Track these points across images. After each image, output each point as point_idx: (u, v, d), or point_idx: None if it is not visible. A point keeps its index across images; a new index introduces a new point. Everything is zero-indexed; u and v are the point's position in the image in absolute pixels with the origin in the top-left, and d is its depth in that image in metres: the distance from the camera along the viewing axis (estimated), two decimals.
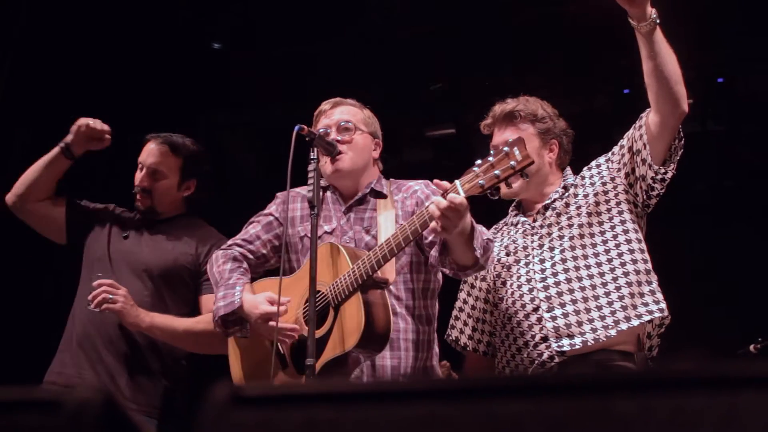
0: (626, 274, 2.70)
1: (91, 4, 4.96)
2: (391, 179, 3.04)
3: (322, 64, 5.58)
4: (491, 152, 2.43)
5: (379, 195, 2.95)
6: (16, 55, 4.84)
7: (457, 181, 2.44)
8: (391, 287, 2.74)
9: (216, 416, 0.85)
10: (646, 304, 2.68)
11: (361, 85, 5.69)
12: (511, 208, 3.07)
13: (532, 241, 2.87)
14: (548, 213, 2.89)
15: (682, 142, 2.70)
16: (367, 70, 5.53)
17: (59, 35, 5.01)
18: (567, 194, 2.90)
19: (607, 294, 2.69)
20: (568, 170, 3.01)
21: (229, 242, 3.04)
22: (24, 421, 0.82)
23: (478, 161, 2.44)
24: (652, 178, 2.70)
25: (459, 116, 6.11)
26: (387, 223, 2.83)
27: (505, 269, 2.90)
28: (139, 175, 3.41)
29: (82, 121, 3.30)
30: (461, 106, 6.07)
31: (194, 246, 3.38)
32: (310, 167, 2.67)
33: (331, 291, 2.68)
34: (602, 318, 2.66)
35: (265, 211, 3.06)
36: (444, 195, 2.42)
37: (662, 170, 2.68)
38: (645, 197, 2.77)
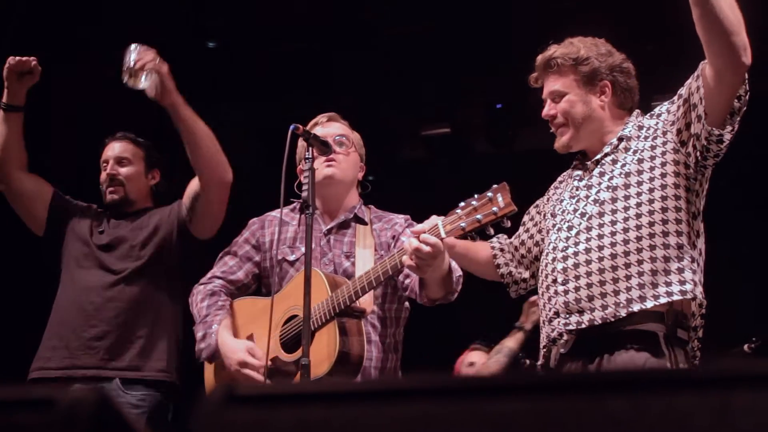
0: (653, 247, 2.41)
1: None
2: (371, 206, 3.08)
3: (317, 63, 5.57)
4: (475, 196, 2.43)
5: (360, 221, 2.98)
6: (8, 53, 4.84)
7: (438, 222, 2.47)
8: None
9: (210, 415, 0.85)
10: (668, 284, 2.39)
11: (357, 84, 5.71)
12: (576, 159, 2.78)
13: (570, 204, 2.62)
14: (595, 171, 2.61)
15: (747, 96, 2.35)
16: (362, 70, 5.53)
17: (53, 32, 5.00)
18: (619, 147, 2.59)
19: (627, 267, 2.42)
20: (635, 114, 2.67)
21: (209, 275, 3.07)
22: (17, 419, 0.82)
23: (462, 203, 2.45)
24: (707, 138, 2.36)
25: (454, 115, 6.12)
26: (365, 252, 2.87)
27: (546, 234, 2.70)
28: (104, 173, 3.50)
29: (10, 59, 3.31)
30: (456, 105, 6.07)
31: (166, 211, 3.46)
32: (305, 166, 2.67)
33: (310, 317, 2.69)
34: (616, 293, 2.40)
35: (240, 240, 3.09)
36: (418, 236, 2.44)
37: (717, 132, 2.34)
38: (700, 157, 2.42)
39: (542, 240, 2.77)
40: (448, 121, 6.13)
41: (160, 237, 3.39)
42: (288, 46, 5.54)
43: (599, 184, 2.56)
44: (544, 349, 2.59)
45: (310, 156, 2.69)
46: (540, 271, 2.64)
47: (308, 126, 3.02)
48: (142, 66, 2.99)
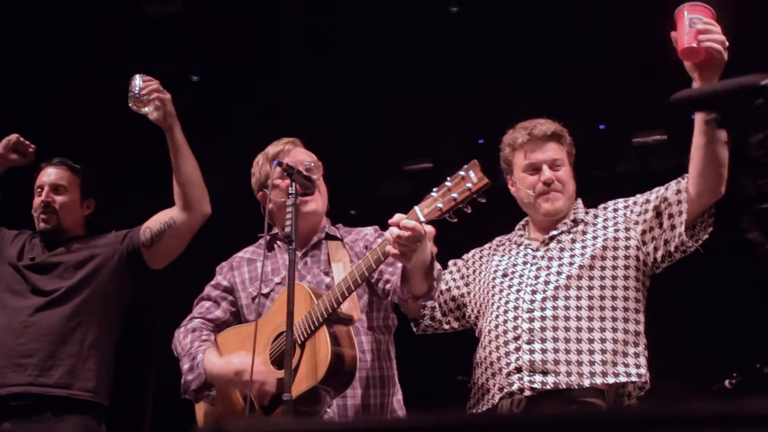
0: (614, 330, 2.63)
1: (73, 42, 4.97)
2: (339, 225, 3.10)
3: (296, 96, 5.54)
4: (447, 177, 2.45)
5: (332, 238, 3.01)
6: None
7: (416, 207, 2.48)
8: (356, 325, 2.77)
9: None
10: (626, 365, 2.61)
11: (339, 119, 5.71)
12: (518, 227, 2.98)
13: (530, 270, 2.77)
14: (552, 245, 2.80)
15: (712, 219, 2.63)
16: (344, 104, 5.54)
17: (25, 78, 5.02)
18: (576, 229, 2.80)
19: (591, 342, 2.61)
20: (579, 202, 2.91)
21: (188, 318, 3.08)
22: None
23: (436, 187, 2.47)
24: (676, 247, 2.63)
25: (436, 150, 6.14)
26: (340, 265, 2.88)
27: (497, 291, 2.80)
28: (38, 199, 3.46)
29: (12, 136, 3.39)
30: (439, 141, 6.09)
31: (110, 237, 3.44)
32: (288, 201, 2.68)
33: (297, 328, 2.68)
34: (579, 364, 2.58)
35: (211, 284, 3.11)
36: (398, 225, 2.45)
37: (690, 243, 2.61)
38: (659, 260, 2.68)
39: (468, 293, 2.94)
40: (430, 156, 6.16)
41: (98, 261, 3.37)
42: (262, 80, 5.52)
43: (560, 258, 2.74)
44: (494, 399, 2.67)
45: (294, 192, 2.69)
46: (494, 325, 2.73)
47: (271, 153, 3.02)
48: (149, 93, 3.13)
